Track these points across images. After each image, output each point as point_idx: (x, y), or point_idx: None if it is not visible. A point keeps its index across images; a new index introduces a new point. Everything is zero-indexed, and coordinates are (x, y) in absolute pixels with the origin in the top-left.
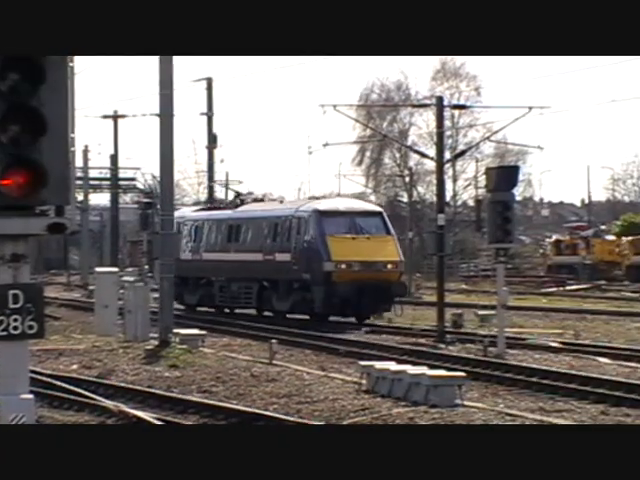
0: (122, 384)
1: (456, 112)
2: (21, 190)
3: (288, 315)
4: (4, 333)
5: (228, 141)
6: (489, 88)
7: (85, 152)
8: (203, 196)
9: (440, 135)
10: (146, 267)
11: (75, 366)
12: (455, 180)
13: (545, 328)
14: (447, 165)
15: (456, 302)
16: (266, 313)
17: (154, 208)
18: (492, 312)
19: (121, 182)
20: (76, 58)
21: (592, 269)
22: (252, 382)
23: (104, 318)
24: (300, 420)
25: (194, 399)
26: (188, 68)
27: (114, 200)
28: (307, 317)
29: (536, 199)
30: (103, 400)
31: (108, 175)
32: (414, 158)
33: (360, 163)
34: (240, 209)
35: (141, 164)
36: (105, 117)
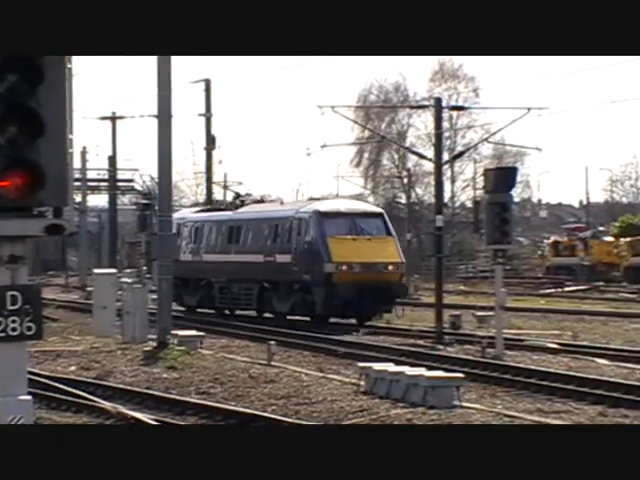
0: (120, 385)
1: (454, 113)
2: (19, 191)
3: (288, 316)
4: (2, 334)
5: (226, 142)
6: (487, 89)
7: (83, 153)
8: (201, 197)
9: (438, 136)
10: (144, 268)
11: (73, 367)
12: (453, 181)
13: (543, 329)
14: (445, 166)
15: (454, 303)
16: (266, 314)
17: (152, 209)
18: (490, 313)
19: (119, 183)
20: (74, 59)
21: (590, 270)
22: (250, 383)
23: (102, 319)
24: (298, 421)
25: (192, 400)
26: (186, 69)
27: (112, 201)
28: (308, 319)
29: (534, 200)
30: (101, 401)
31: (106, 176)
32: (412, 159)
33: (358, 164)
34: (240, 210)
35: (139, 165)
36: (103, 118)
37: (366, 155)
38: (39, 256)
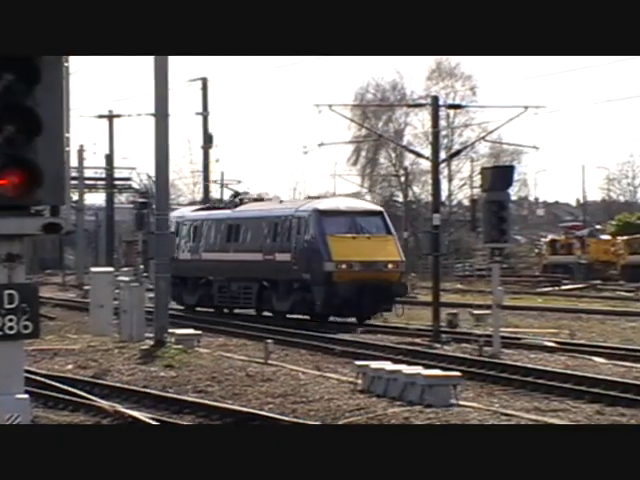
0: (117, 384)
1: (451, 112)
2: (16, 190)
3: (288, 315)
4: None
5: (223, 141)
6: (484, 88)
7: (80, 152)
8: (198, 196)
9: (435, 135)
10: (141, 267)
11: (70, 366)
12: (450, 180)
13: (540, 328)
14: (442, 165)
15: (451, 302)
16: (265, 313)
17: (149, 208)
18: (487, 312)
19: (116, 182)
20: (71, 58)
21: (587, 269)
22: (247, 382)
23: (99, 318)
24: (295, 420)
25: (189, 399)
26: (183, 68)
27: (109, 200)
28: (307, 317)
29: (531, 199)
30: (98, 400)
31: (103, 175)
32: (409, 158)
33: (355, 163)
34: (239, 209)
35: (136, 164)
36: (100, 117)
37: (363, 153)
38: (36, 255)
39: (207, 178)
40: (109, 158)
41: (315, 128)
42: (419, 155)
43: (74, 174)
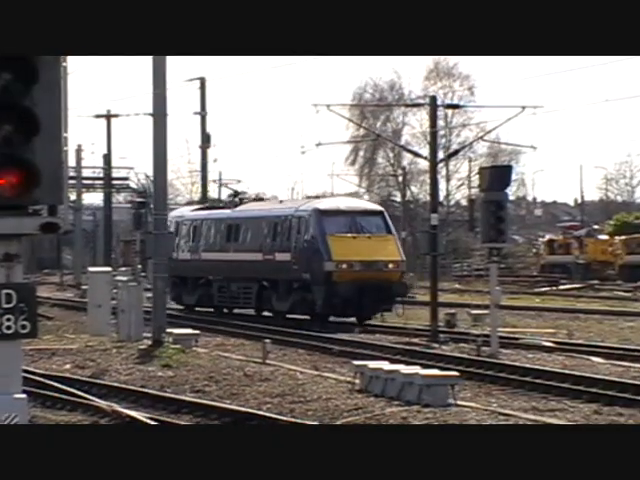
0: (115, 384)
1: (449, 112)
2: (14, 190)
3: (288, 315)
4: None
5: (221, 141)
6: (482, 88)
7: (78, 151)
8: (196, 196)
9: (433, 135)
10: (139, 267)
11: (68, 366)
12: (448, 180)
13: (538, 327)
14: (440, 165)
15: (449, 302)
16: (265, 313)
17: (147, 207)
18: (485, 312)
19: (114, 181)
20: (69, 58)
21: (585, 268)
22: (245, 382)
23: (97, 318)
24: (293, 419)
25: (187, 399)
26: (181, 68)
27: (107, 199)
28: (307, 317)
29: (529, 199)
30: (96, 400)
31: (101, 175)
32: (407, 158)
33: (353, 163)
34: (239, 208)
35: (134, 163)
36: (98, 116)
37: (361, 153)
38: (34, 254)
39: (205, 178)
40: (107, 158)
41: (313, 128)
42: (417, 155)
43: (72, 174)
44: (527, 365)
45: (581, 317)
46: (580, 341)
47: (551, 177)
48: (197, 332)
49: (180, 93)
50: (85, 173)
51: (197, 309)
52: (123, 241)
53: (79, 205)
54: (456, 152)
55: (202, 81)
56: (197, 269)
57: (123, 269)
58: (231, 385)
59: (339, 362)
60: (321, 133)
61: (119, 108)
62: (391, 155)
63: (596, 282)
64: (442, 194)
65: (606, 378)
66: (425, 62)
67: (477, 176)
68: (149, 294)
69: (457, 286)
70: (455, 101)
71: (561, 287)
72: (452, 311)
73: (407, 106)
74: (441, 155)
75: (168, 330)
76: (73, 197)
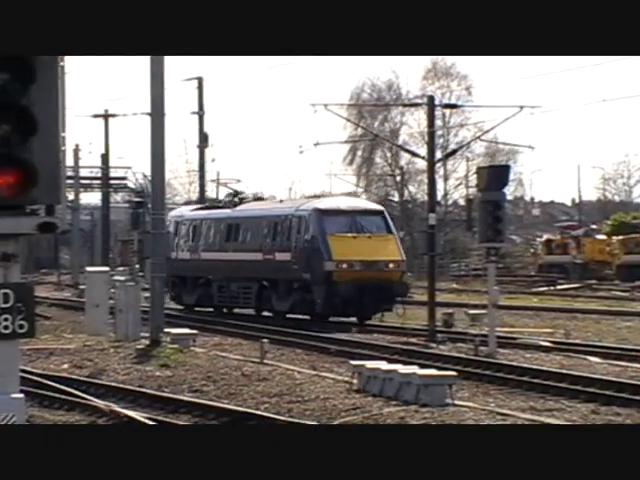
0: (113, 384)
1: (447, 111)
2: (11, 189)
3: (288, 315)
4: None
5: (219, 140)
6: (480, 87)
7: (76, 151)
8: (194, 195)
9: (431, 134)
10: (137, 266)
11: (66, 365)
12: (446, 179)
13: (536, 327)
14: (438, 164)
15: (447, 301)
16: (265, 313)
17: (145, 207)
18: (483, 311)
19: (112, 181)
20: (67, 58)
21: (583, 268)
22: (243, 381)
23: (95, 317)
24: (291, 419)
25: (185, 398)
26: (179, 67)
27: (105, 199)
28: (307, 317)
29: (527, 198)
30: (94, 400)
31: (99, 174)
32: (405, 157)
33: (351, 162)
34: (239, 208)
35: (132, 163)
36: (96, 116)
37: (359, 153)
38: (32, 254)
39: (203, 177)
40: (105, 157)
41: (311, 128)
42: (415, 155)
43: (70, 173)
44: (525, 365)
45: (579, 317)
46: (578, 341)
47: (549, 177)
48: (195, 332)
49: (178, 93)
50: (83, 173)
51: (197, 309)
52: (121, 241)
53: (77, 205)
54: (454, 152)
55: (200, 81)
56: (197, 269)
57: (121, 269)
58: (229, 385)
59: (337, 362)
60: (319, 133)
61: (117, 108)
62: (389, 155)
63: (594, 282)
64: (440, 194)
65: (603, 378)
66: (423, 62)
67: (475, 176)
68: (147, 294)
69: (455, 286)
70: (453, 101)
71: (559, 287)
72: (450, 311)
73: (405, 106)
74: (439, 155)
75: (166, 330)
76: (71, 197)
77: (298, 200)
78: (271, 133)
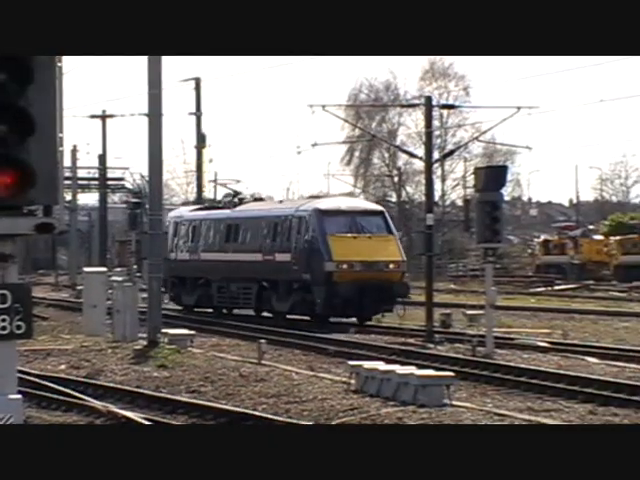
0: (111, 384)
1: (445, 112)
2: (9, 190)
3: (288, 316)
4: None
5: (217, 141)
6: (478, 88)
7: (73, 152)
8: (192, 196)
9: (429, 135)
10: (135, 267)
11: (63, 366)
12: (444, 180)
13: (533, 328)
14: (436, 165)
15: (445, 302)
16: (264, 314)
17: (143, 208)
18: (480, 312)
19: (109, 182)
20: (64, 58)
21: (580, 269)
22: (241, 382)
23: (92, 318)
24: (289, 420)
25: (183, 399)
26: (176, 68)
27: (102, 200)
28: (307, 318)
29: (524, 199)
30: (91, 400)
31: (96, 175)
32: (403, 158)
33: (349, 163)
34: (239, 209)
35: (130, 164)
36: (93, 117)
37: (357, 154)
38: (29, 255)
39: (200, 178)
40: (102, 158)
41: (309, 128)
42: (412, 155)
43: (67, 174)
44: (522, 365)
45: (576, 317)
46: (575, 341)
47: (546, 177)
48: (192, 332)
49: (175, 93)
50: (80, 173)
51: (196, 310)
52: (118, 241)
53: (74, 205)
54: (451, 152)
55: (197, 81)
56: (196, 269)
57: (118, 269)
58: (226, 385)
59: (335, 362)
60: (317, 133)
61: (114, 108)
62: (386, 155)
63: (591, 282)
64: (437, 194)
65: (601, 378)
66: (420, 62)
67: (472, 176)
68: (144, 294)
69: (452, 286)
70: (450, 101)
71: (556, 287)
72: (447, 311)
73: (402, 106)
74: (436, 155)
75: (163, 330)
76: (68, 197)
77: (298, 200)
78: (269, 134)
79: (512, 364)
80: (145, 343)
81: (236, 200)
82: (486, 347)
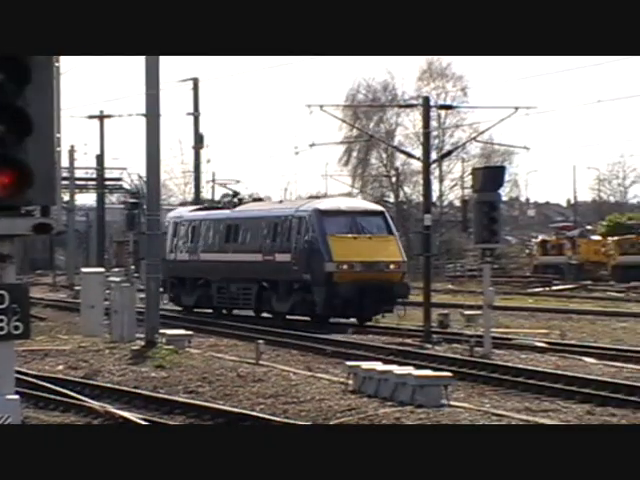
0: (108, 384)
1: (442, 112)
2: (6, 190)
3: (288, 316)
4: None
5: (215, 141)
6: (475, 88)
7: (71, 152)
8: (189, 196)
9: (426, 135)
10: (132, 267)
11: (61, 367)
12: (441, 180)
13: (531, 328)
14: (433, 165)
15: (442, 302)
16: (264, 314)
17: (140, 208)
18: (478, 312)
19: (107, 182)
20: (62, 58)
21: (578, 269)
22: (238, 382)
23: (90, 318)
24: (287, 420)
25: (180, 399)
26: (174, 68)
27: (100, 200)
28: (307, 318)
29: (522, 199)
30: (89, 401)
31: (94, 175)
32: (400, 158)
33: (347, 163)
34: (238, 209)
35: (127, 164)
36: (91, 117)
37: (354, 154)
38: (27, 255)
39: (198, 178)
40: (100, 158)
41: (306, 128)
42: (410, 156)
43: (65, 174)
44: (520, 365)
45: (574, 317)
46: (573, 341)
47: (544, 178)
48: (190, 333)
49: (173, 94)
50: (78, 174)
51: (195, 310)
52: (116, 242)
53: (72, 206)
54: (449, 153)
55: (195, 82)
56: (196, 270)
57: (116, 270)
58: (224, 386)
59: (332, 363)
60: (314, 134)
61: (112, 109)
62: (384, 156)
63: (589, 283)
64: (435, 195)
65: (599, 378)
66: (418, 63)
67: (470, 177)
68: (142, 295)
69: (450, 287)
70: (448, 102)
71: (554, 288)
72: (445, 312)
73: (400, 107)
74: (434, 156)
75: (161, 331)
76: (66, 198)
77: (298, 201)
78: (267, 134)
79: (510, 364)
80: (143, 343)
81: (236, 200)
82: (484, 347)
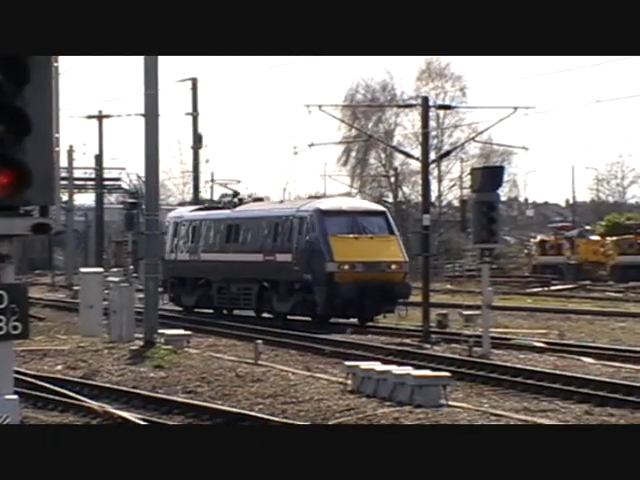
0: (107, 384)
1: (441, 112)
2: (5, 190)
3: (289, 317)
4: None
5: (213, 141)
6: (474, 88)
7: (70, 152)
8: (188, 196)
9: (425, 135)
10: (131, 267)
11: (60, 367)
12: (440, 180)
13: (530, 328)
14: (432, 165)
15: (441, 302)
16: (264, 315)
17: (139, 208)
18: (477, 312)
19: (106, 182)
20: (61, 58)
21: (577, 269)
22: (237, 382)
23: (89, 318)
24: (285, 420)
25: (179, 399)
26: (173, 68)
27: (99, 200)
28: (308, 319)
29: (521, 199)
30: (88, 401)
31: (93, 175)
32: (399, 158)
33: (345, 163)
34: (239, 209)
35: (126, 164)
36: (90, 117)
37: (353, 154)
38: (25, 255)
39: (197, 178)
40: (99, 158)
41: (305, 128)
42: (409, 156)
43: (63, 174)
44: (518, 366)
45: (572, 318)
46: (571, 342)
47: (543, 178)
48: (189, 333)
49: (172, 94)
50: (77, 174)
51: (196, 310)
52: (115, 242)
53: (71, 206)
54: (448, 153)
55: (194, 82)
56: (196, 270)
57: (115, 270)
58: (223, 386)
59: (331, 363)
60: (313, 134)
61: (111, 109)
62: (383, 156)
63: (587, 283)
64: (434, 195)
65: (597, 379)
66: (417, 63)
67: (469, 177)
68: (141, 295)
69: (449, 287)
70: (447, 102)
71: (553, 288)
72: (444, 312)
73: (399, 107)
74: (433, 156)
75: (160, 331)
76: (65, 198)
77: (299, 201)
78: (266, 134)
79: (508, 364)
80: (141, 343)
81: (236, 200)
82: (482, 347)
